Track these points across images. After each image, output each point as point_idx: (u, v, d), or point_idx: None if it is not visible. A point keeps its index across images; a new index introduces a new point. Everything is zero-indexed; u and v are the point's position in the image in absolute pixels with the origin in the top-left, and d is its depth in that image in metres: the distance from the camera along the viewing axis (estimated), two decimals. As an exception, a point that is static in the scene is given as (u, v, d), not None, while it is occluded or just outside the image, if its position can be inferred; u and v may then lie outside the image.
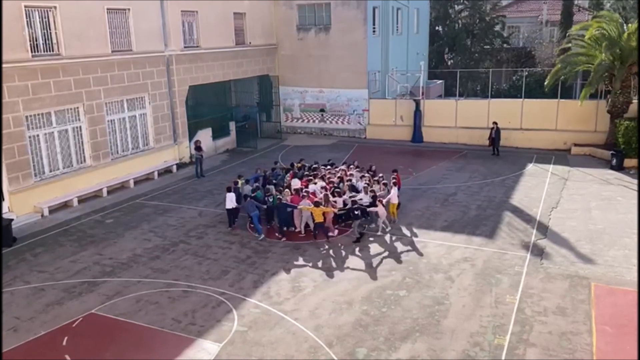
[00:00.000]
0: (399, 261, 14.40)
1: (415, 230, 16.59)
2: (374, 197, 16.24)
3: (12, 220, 16.71)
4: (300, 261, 14.64)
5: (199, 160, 23.54)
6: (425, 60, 40.63)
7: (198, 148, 23.57)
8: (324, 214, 15.62)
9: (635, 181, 20.47)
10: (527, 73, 32.70)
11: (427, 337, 10.76)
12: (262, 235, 16.31)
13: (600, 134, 25.66)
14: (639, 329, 10.08)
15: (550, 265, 13.77)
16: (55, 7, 19.07)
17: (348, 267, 14.15)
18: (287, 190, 17.06)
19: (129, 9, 22.20)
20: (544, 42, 42.84)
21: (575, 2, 43.11)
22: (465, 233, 16.21)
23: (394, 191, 16.80)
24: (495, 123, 25.91)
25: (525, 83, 30.12)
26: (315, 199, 15.72)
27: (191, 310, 12.11)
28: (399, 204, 17.55)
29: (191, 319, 11.73)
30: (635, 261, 13.71)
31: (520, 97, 28.24)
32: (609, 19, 24.49)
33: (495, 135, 25.83)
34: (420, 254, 14.78)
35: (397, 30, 34.44)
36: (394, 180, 17.74)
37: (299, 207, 15.87)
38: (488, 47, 44.85)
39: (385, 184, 17.63)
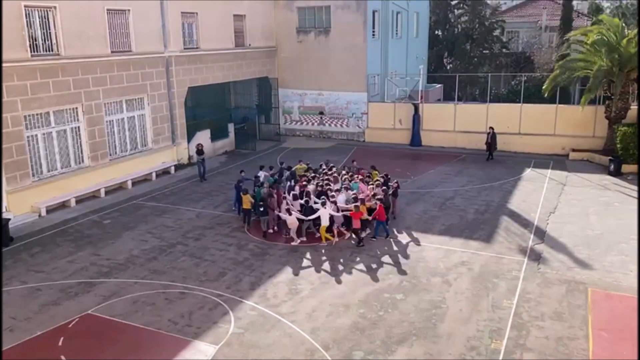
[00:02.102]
0: (396, 265, 14.41)
1: (413, 233, 16.59)
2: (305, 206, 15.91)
3: (9, 219, 16.66)
4: (298, 264, 14.63)
5: (201, 163, 23.39)
6: (425, 64, 40.68)
7: (199, 152, 23.46)
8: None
9: (633, 187, 20.51)
10: (525, 78, 32.78)
11: (424, 341, 10.75)
12: (234, 208, 18.62)
13: (598, 140, 25.72)
14: (639, 333, 10.11)
15: (547, 270, 13.77)
16: (55, 7, 19.07)
17: (345, 271, 14.14)
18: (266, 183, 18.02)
19: (128, 10, 22.20)
20: (543, 47, 42.93)
21: (575, 8, 43.23)
22: (463, 237, 16.22)
23: (323, 211, 15.47)
24: (491, 128, 25.96)
25: (525, 88, 30.22)
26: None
27: (188, 312, 12.08)
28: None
29: (188, 321, 11.71)
30: (632, 267, 13.73)
31: (519, 102, 28.33)
32: (609, 25, 24.58)
33: (491, 140, 25.88)
34: (418, 258, 14.78)
35: (396, 33, 34.51)
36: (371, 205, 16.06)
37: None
38: (487, 51, 44.92)
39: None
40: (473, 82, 41.36)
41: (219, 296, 12.77)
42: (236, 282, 13.54)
